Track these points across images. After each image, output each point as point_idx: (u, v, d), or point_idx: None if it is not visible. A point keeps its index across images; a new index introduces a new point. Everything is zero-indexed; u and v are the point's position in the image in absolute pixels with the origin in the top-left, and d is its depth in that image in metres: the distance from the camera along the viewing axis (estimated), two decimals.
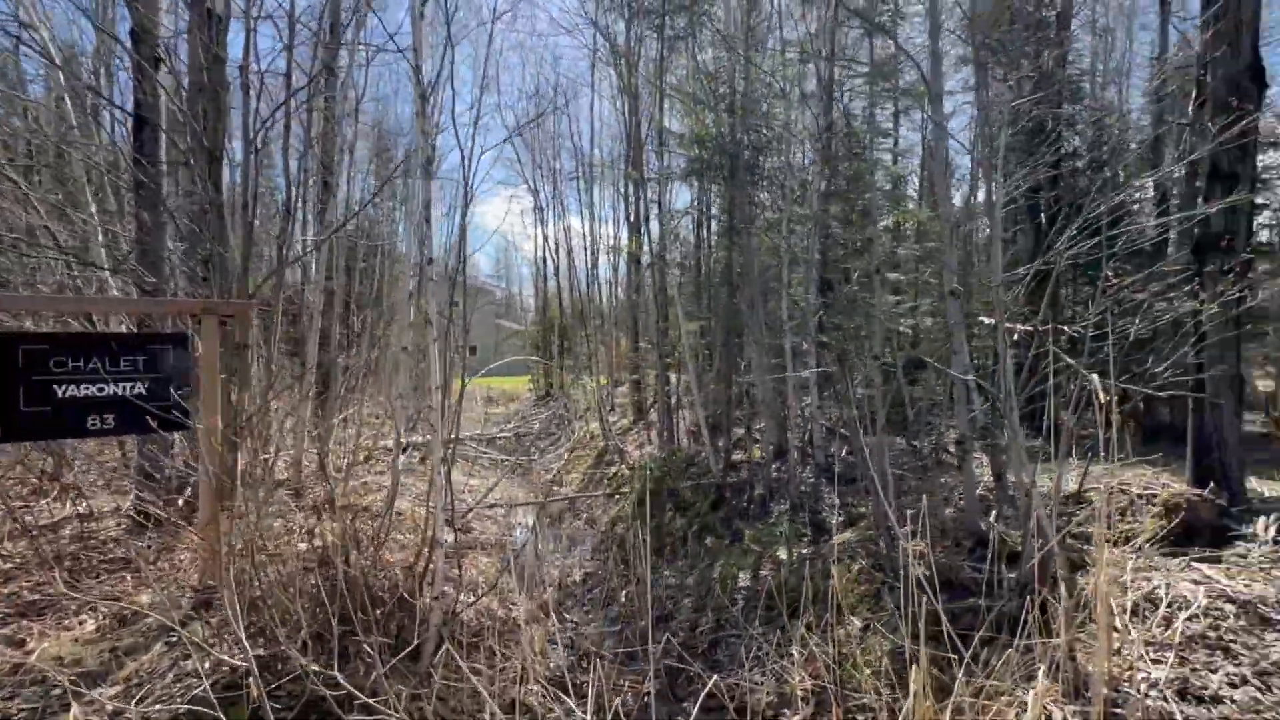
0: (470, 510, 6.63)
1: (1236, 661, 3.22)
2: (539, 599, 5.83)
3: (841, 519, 6.78)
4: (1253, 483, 6.89)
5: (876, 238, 9.68)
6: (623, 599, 6.07)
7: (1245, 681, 3.06)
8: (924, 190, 13.66)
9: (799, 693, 4.78)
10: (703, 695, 3.89)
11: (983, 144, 5.73)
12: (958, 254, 8.38)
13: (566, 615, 5.79)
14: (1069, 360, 3.82)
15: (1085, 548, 5.28)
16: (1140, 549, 5.22)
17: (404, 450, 8.24)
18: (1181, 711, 2.89)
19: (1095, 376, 3.09)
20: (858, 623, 5.26)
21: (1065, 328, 3.90)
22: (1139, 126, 14.37)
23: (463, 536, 6.35)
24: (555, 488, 10.15)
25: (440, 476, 3.97)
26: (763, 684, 4.87)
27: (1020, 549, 5.17)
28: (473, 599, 4.71)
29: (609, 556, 6.69)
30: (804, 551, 6.36)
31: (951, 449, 8.06)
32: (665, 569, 6.63)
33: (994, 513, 6.12)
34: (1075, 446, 6.77)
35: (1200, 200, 5.88)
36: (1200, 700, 2.97)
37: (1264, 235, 17.63)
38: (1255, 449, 9.75)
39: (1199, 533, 5.04)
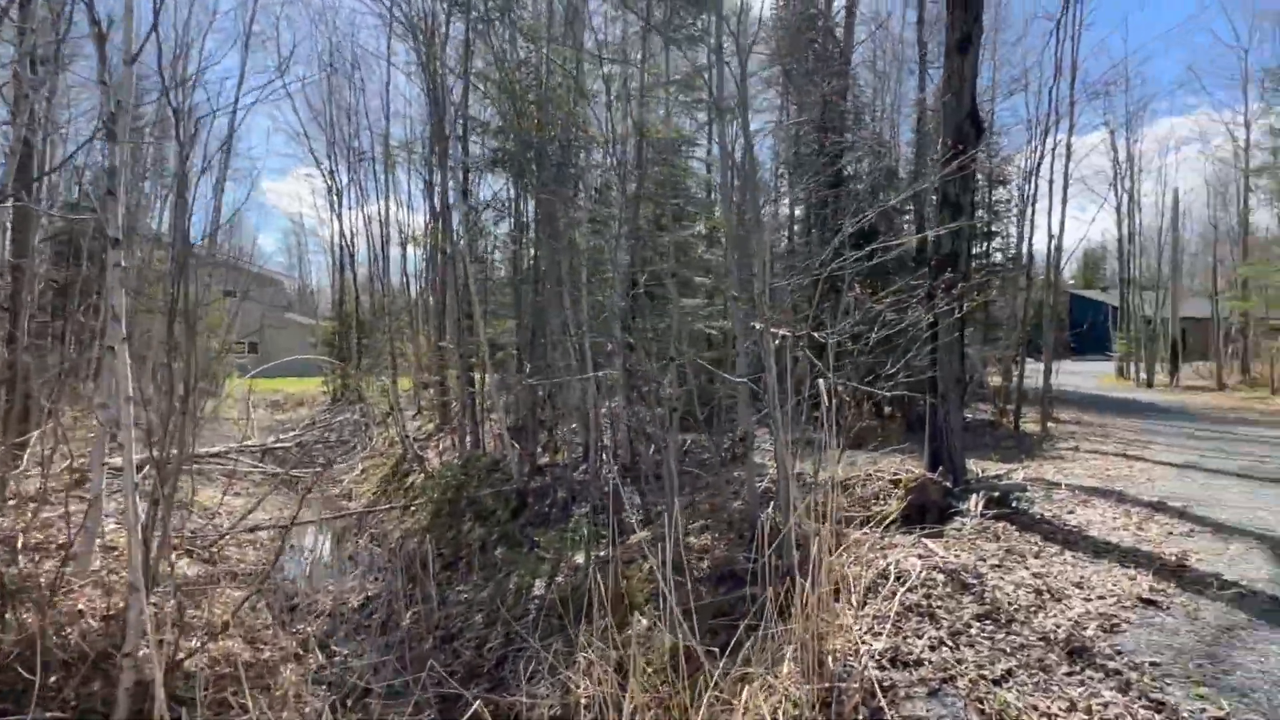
0: (222, 536, 5.71)
1: (938, 626, 3.67)
2: (302, 634, 5.17)
3: (640, 518, 6.87)
4: (976, 465, 8.19)
5: (677, 243, 10.04)
6: (406, 621, 5.60)
7: (942, 643, 3.49)
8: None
9: (582, 701, 4.72)
10: (466, 717, 3.63)
11: (753, 161, 6.13)
12: (760, 261, 8.97)
13: (337, 648, 5.19)
14: (816, 363, 4.14)
15: (843, 530, 5.86)
16: (887, 528, 5.91)
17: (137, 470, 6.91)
18: (889, 678, 3.20)
19: (821, 381, 3.33)
20: (645, 622, 5.35)
21: (815, 334, 4.22)
22: (909, 158, 16.59)
23: (210, 568, 5.44)
24: (343, 502, 9.21)
25: (136, 506, 3.28)
26: (547, 697, 4.73)
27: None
28: (199, 645, 3.99)
29: (396, 576, 6.16)
30: (602, 554, 6.34)
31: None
32: (459, 584, 6.25)
33: (773, 504, 6.59)
34: (843, 438, 7.52)
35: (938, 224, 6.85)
36: (906, 665, 3.32)
37: (998, 257, 21.37)
38: (985, 435, 11.70)
39: (929, 511, 5.80)
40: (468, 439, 8.94)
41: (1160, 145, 61.37)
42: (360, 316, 15.58)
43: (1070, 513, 5.77)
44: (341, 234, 16.10)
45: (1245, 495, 6.25)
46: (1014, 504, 5.97)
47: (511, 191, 8.44)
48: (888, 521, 5.86)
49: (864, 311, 4.55)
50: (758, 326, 4.95)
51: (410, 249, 14.19)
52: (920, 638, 3.54)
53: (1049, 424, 11.58)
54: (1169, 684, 3.01)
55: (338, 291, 17.12)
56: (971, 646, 3.44)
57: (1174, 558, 4.53)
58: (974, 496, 5.88)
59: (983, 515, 5.64)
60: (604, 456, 8.15)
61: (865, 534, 5.66)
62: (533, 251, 8.22)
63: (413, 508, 7.85)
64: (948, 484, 6.15)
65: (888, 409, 14.11)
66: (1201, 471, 7.50)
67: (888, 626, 3.66)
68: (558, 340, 7.38)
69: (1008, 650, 3.38)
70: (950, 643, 3.49)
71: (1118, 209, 23.56)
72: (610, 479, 8.08)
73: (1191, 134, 67.84)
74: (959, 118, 6.66)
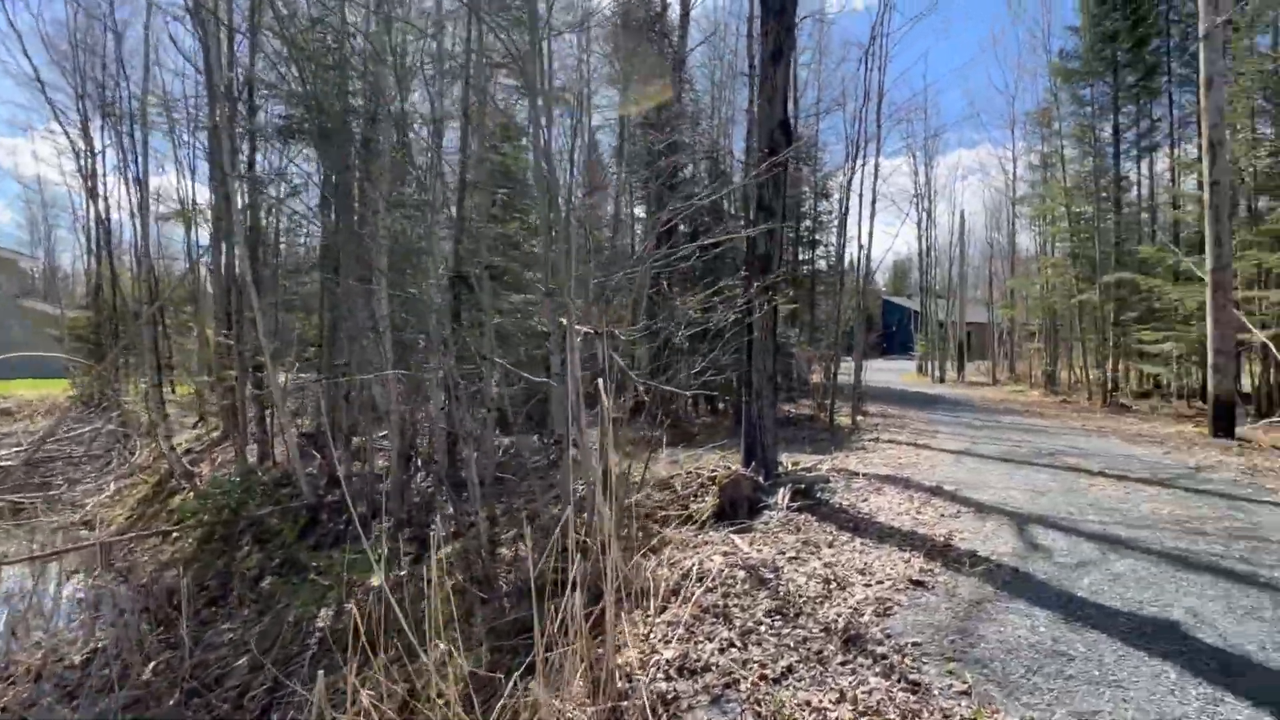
0: None
1: (731, 626, 3.63)
2: None
3: (451, 530, 6.35)
4: (791, 457, 8.63)
5: (508, 235, 9.56)
6: (147, 674, 4.61)
7: (732, 645, 3.43)
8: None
9: None
10: None
11: (597, 153, 5.88)
12: (562, 254, 8.75)
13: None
14: (619, 362, 3.96)
15: (659, 531, 5.81)
16: (702, 526, 5.94)
17: None
18: (674, 689, 3.07)
19: (599, 381, 3.13)
20: (442, 646, 4.89)
21: (616, 332, 4.04)
22: (743, 164, 17.43)
23: None
24: (82, 531, 7.57)
25: None
26: None
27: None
28: None
29: (140, 618, 5.09)
30: (402, 574, 5.75)
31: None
32: (224, 621, 5.31)
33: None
34: (662, 435, 7.52)
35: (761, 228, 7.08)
36: (693, 673, 3.21)
37: (822, 264, 23.26)
38: (805, 429, 12.53)
39: (740, 506, 5.91)
40: (253, 449, 7.74)
41: (951, 172, 72.03)
42: (122, 307, 12.85)
43: (864, 501, 6.17)
44: (98, 207, 13.21)
45: (1003, 477, 7.12)
46: (818, 495, 6.29)
47: (310, 167, 7.45)
48: (703, 519, 5.91)
49: (670, 310, 4.45)
50: (564, 323, 4.69)
51: (195, 229, 12.10)
52: (712, 641, 3.46)
53: (859, 417, 12.65)
54: (926, 663, 3.16)
55: (95, 277, 13.98)
56: (759, 645, 3.42)
57: (942, 538, 4.95)
58: (782, 490, 6.10)
59: (789, 508, 5.85)
60: (417, 464, 7.49)
61: (680, 533, 5.65)
62: (335, 237, 7.33)
63: (176, 534, 6.58)
64: (760, 479, 6.33)
65: (721, 405, 14.70)
66: (973, 457, 8.49)
67: (680, 632, 3.55)
68: (364, 336, 6.61)
69: (791, 645, 3.40)
70: (740, 643, 3.44)
71: (918, 225, 26.77)
72: (426, 488, 7.43)
73: (975, 165, 79.84)
74: (771, 125, 6.91)
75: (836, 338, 13.64)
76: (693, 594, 3.95)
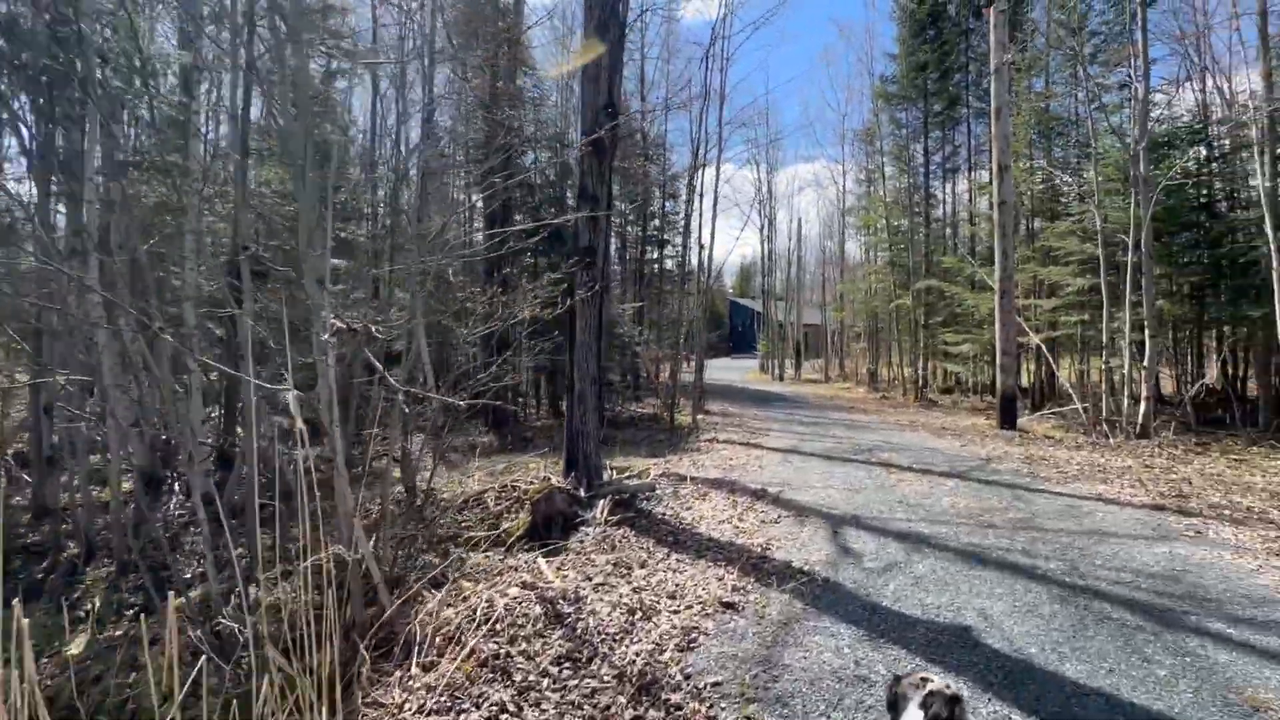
0: None
1: (509, 682, 3.02)
2: None
3: (200, 571, 5.14)
4: (626, 461, 8.26)
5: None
6: None
7: (504, 710, 2.83)
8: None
9: None
10: None
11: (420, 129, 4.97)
12: (313, 237, 7.69)
13: None
14: (377, 365, 3.20)
15: (463, 556, 5.07)
16: (510, 548, 5.29)
17: None
18: None
19: (290, 396, 2.39)
20: None
21: (374, 328, 3.28)
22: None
23: None
24: None
25: None
26: None
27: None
28: None
29: None
30: (119, 634, 4.51)
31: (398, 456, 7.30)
32: None
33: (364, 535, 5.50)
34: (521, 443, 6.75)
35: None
36: None
37: (670, 265, 23.51)
38: (646, 429, 12.33)
39: (555, 522, 5.36)
40: None
41: (791, 183, 77.62)
42: None
43: (688, 508, 5.88)
44: None
45: (824, 475, 7.21)
46: (641, 505, 5.90)
47: (54, 113, 5.67)
48: (512, 540, 5.27)
49: (459, 305, 3.75)
50: (328, 320, 3.81)
51: None
52: (480, 707, 2.83)
53: (700, 416, 12.67)
54: (724, 708, 2.77)
55: None
56: (538, 706, 2.85)
57: (760, 548, 4.73)
58: (602, 502, 5.63)
59: (608, 522, 5.39)
60: (170, 488, 6.11)
61: (486, 557, 4.96)
62: (46, 201, 5.66)
63: None
64: (580, 491, 5.82)
65: (563, 406, 14.12)
66: (799, 455, 8.64)
67: (443, 699, 2.89)
68: (80, 329, 5.14)
69: (576, 701, 2.87)
70: (514, 705, 2.85)
71: (761, 230, 28.11)
72: (178, 515, 6.08)
73: (811, 178, 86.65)
74: (597, 107, 6.44)
75: (680, 337, 13.60)
76: (472, 642, 3.30)
